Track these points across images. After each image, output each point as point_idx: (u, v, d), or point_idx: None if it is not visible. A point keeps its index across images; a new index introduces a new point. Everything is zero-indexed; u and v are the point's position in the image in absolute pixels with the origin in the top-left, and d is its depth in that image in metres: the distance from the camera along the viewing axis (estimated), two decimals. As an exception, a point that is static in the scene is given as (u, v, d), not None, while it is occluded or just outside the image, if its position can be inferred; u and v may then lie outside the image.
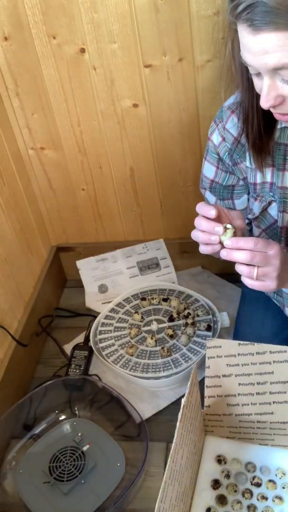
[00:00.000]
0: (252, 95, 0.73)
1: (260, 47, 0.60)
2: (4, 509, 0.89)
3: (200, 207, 0.74)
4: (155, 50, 1.04)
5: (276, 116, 0.69)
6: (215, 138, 0.89)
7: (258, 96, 0.68)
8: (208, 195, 0.97)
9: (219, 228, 0.71)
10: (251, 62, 0.63)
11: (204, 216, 0.74)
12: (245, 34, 0.60)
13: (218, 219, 0.73)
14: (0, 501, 0.90)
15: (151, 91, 1.09)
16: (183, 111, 1.11)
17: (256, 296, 1.11)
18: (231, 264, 0.73)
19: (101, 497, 0.87)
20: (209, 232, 0.73)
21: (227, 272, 1.35)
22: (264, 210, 0.88)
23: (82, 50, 1.05)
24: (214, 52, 1.02)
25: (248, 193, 0.92)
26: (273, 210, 0.88)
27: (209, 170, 0.93)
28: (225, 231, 0.72)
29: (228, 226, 0.72)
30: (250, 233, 0.98)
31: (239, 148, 0.86)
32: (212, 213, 0.72)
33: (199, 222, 0.74)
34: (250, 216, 0.93)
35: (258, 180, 0.86)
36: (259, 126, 0.77)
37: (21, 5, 1.00)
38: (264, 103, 0.65)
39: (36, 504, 0.87)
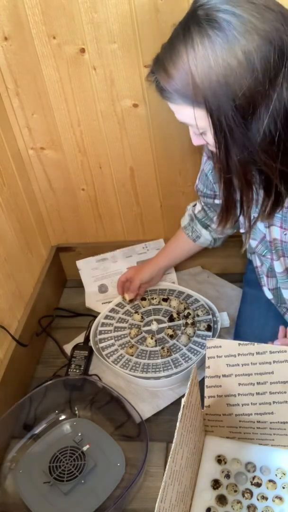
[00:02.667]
0: None
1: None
2: (4, 509, 0.89)
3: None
4: (155, 50, 1.02)
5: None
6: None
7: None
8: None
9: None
10: None
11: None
12: None
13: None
14: (0, 501, 0.90)
15: (151, 91, 1.09)
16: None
17: (257, 297, 1.11)
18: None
19: (101, 497, 0.87)
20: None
21: (227, 272, 1.35)
22: (254, 222, 0.88)
23: (82, 50, 1.05)
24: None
25: None
26: (261, 225, 0.91)
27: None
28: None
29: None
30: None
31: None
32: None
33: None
34: (242, 231, 0.97)
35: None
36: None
37: (21, 5, 1.00)
38: (194, 143, 0.78)
39: (36, 504, 0.87)
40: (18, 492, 0.89)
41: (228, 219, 0.83)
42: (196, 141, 0.77)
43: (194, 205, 1.16)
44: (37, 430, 1.00)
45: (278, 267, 0.95)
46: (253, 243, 0.97)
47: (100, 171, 1.24)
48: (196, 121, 0.70)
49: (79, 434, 0.97)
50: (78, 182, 1.27)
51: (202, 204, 1.12)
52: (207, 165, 1.01)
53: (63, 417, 1.02)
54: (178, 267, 1.36)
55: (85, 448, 0.94)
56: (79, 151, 1.21)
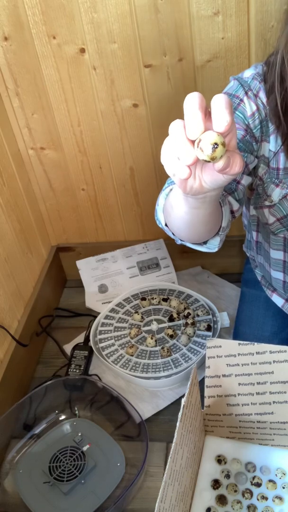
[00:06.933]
0: None
1: None
2: (4, 509, 0.89)
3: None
4: (155, 50, 1.04)
5: None
6: (248, 105, 0.76)
7: None
8: None
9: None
10: None
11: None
12: None
13: None
14: (0, 501, 0.90)
15: (151, 91, 1.09)
16: (183, 111, 1.11)
17: (255, 296, 1.11)
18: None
19: (101, 497, 0.87)
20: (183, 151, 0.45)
21: (227, 272, 1.35)
22: (283, 197, 0.84)
23: (82, 50, 1.05)
24: (214, 52, 1.03)
25: (252, 189, 0.89)
26: None
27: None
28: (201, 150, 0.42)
29: (207, 137, 0.41)
30: (257, 222, 0.97)
31: (266, 126, 0.77)
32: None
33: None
34: (266, 203, 0.87)
35: (281, 165, 0.80)
36: None
37: (21, 5, 1.00)
38: None
39: (36, 504, 0.87)
40: (18, 492, 0.89)
41: None
42: None
43: None
44: (37, 430, 1.00)
45: None
46: (271, 219, 0.88)
47: (100, 171, 1.24)
48: None
49: (79, 434, 0.97)
50: (78, 182, 1.27)
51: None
52: (255, 119, 0.77)
53: (63, 417, 1.02)
54: (178, 267, 1.36)
55: (85, 448, 0.94)
56: (79, 151, 1.21)
